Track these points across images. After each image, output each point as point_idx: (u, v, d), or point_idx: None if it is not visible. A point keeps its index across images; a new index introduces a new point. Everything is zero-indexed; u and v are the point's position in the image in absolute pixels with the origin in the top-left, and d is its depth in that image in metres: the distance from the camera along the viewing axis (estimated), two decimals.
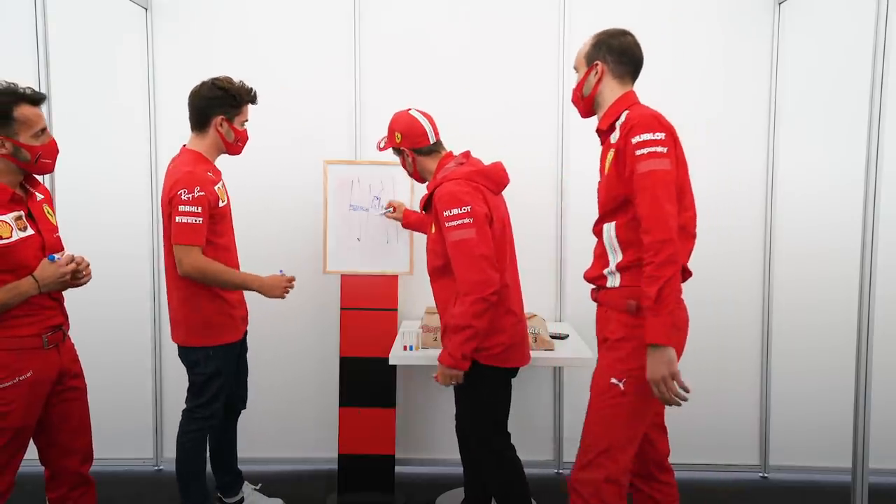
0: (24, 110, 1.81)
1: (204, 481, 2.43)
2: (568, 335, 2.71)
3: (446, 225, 2.01)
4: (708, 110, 2.99)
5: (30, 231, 1.86)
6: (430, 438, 3.11)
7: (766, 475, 3.09)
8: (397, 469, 2.86)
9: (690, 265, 1.95)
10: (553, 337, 2.62)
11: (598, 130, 1.92)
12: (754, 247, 3.04)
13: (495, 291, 1.99)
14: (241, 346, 2.53)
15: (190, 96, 2.30)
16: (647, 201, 1.67)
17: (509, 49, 3.02)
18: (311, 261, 2.94)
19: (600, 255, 1.89)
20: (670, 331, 1.64)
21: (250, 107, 2.37)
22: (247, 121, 2.37)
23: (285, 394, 3.11)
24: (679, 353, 1.81)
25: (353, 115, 3.00)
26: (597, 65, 1.89)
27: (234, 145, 2.36)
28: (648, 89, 2.98)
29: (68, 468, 2.04)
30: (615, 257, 1.82)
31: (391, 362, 2.45)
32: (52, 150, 1.91)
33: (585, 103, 1.95)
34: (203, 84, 2.28)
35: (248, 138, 2.40)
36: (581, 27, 2.98)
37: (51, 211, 2.01)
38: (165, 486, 2.92)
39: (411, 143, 2.20)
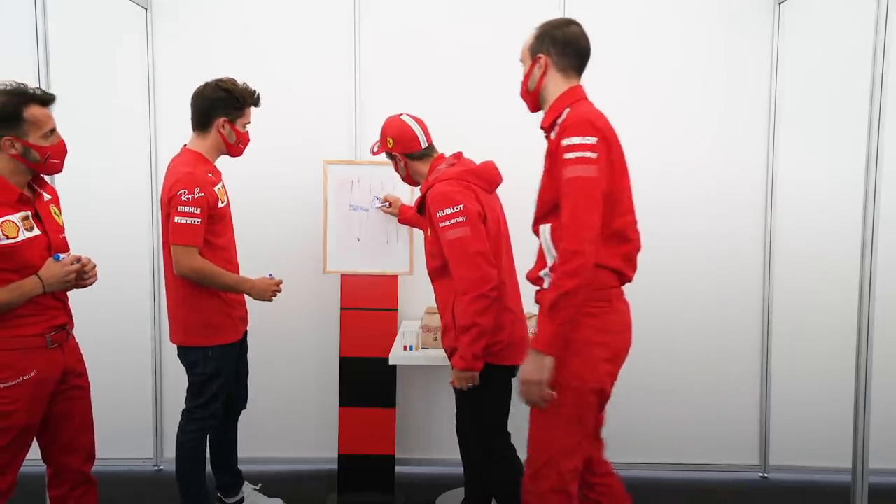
0: (33, 111, 1.82)
1: (204, 481, 2.43)
2: None
3: (440, 225, 2.01)
4: (708, 110, 2.99)
5: (36, 231, 1.87)
6: (430, 438, 3.11)
7: (766, 475, 3.09)
8: (397, 469, 2.86)
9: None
10: None
11: (542, 127, 1.83)
12: (754, 247, 3.03)
13: (495, 287, 1.99)
14: (240, 347, 2.53)
15: (193, 97, 2.30)
16: (567, 208, 1.62)
17: (509, 49, 3.01)
18: (311, 261, 2.94)
19: (540, 257, 1.84)
20: (556, 341, 1.62)
21: (252, 108, 2.37)
22: (249, 123, 2.37)
23: (285, 394, 3.11)
24: (622, 356, 1.79)
25: (353, 115, 3.00)
26: (540, 58, 1.80)
27: (236, 147, 2.36)
28: (649, 89, 3.00)
29: (70, 467, 2.04)
30: (551, 259, 1.75)
31: (391, 362, 2.45)
32: (60, 150, 1.92)
33: (531, 98, 1.87)
34: (207, 85, 2.29)
35: (249, 140, 2.40)
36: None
37: (58, 211, 2.03)
38: (165, 486, 2.92)
39: (403, 147, 2.21)
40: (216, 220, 2.28)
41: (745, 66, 2.97)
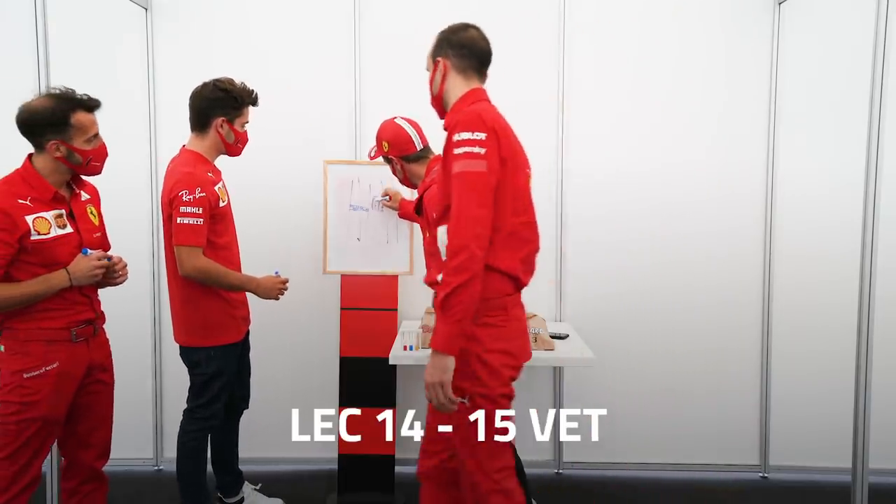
0: (80, 117, 1.89)
1: (204, 481, 2.43)
2: (568, 335, 2.71)
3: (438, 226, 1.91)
4: (708, 111, 2.99)
5: (69, 229, 1.93)
6: None
7: (766, 475, 3.09)
8: (397, 469, 2.86)
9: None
10: (553, 337, 2.62)
11: (444, 128, 1.79)
12: (754, 247, 3.03)
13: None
14: (242, 346, 2.53)
15: (191, 97, 2.30)
16: (454, 204, 1.59)
17: (509, 49, 3.01)
18: (311, 261, 2.94)
19: (439, 259, 1.81)
20: (453, 340, 1.58)
21: (251, 108, 2.37)
22: (247, 122, 2.37)
23: (285, 394, 3.11)
24: (522, 360, 1.79)
25: (353, 115, 3.00)
26: (439, 62, 1.81)
27: (234, 147, 2.36)
28: (649, 89, 3.00)
29: (83, 461, 2.08)
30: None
31: (391, 362, 2.45)
32: (102, 153, 2.00)
33: (436, 102, 1.87)
34: (205, 85, 2.29)
35: (247, 140, 2.40)
36: (581, 28, 2.98)
37: (95, 211, 2.08)
38: (165, 486, 2.92)
39: (398, 151, 2.22)
40: (217, 220, 2.28)
41: (745, 66, 2.97)
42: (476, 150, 1.59)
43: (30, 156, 1.93)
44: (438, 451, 1.91)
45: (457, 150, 1.60)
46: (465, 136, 1.60)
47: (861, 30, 2.74)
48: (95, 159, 1.96)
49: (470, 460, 1.74)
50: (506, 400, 1.74)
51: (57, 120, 1.85)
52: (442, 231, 1.73)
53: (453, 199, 1.60)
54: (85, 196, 2.06)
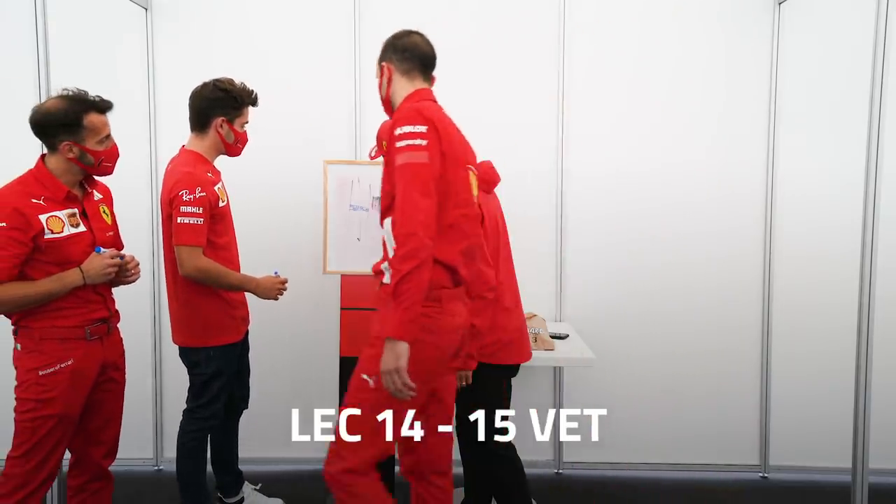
0: (92, 118, 1.92)
1: (204, 481, 2.43)
2: (568, 335, 2.72)
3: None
4: (708, 111, 2.99)
5: (82, 228, 1.95)
6: None
7: (766, 475, 3.09)
8: (397, 469, 2.86)
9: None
10: (553, 337, 2.62)
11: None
12: (754, 247, 3.04)
13: (492, 288, 1.97)
14: (242, 346, 2.53)
15: (191, 97, 2.30)
16: (399, 195, 1.64)
17: (509, 49, 3.02)
18: (311, 261, 2.93)
19: (385, 250, 1.85)
20: (405, 326, 1.61)
21: (251, 108, 2.37)
22: (247, 122, 2.37)
23: (285, 394, 3.10)
24: (448, 353, 1.79)
25: (353, 115, 3.00)
26: (384, 66, 1.89)
27: (234, 147, 2.36)
28: (648, 90, 3.00)
29: (91, 458, 2.10)
30: (390, 253, 1.74)
31: None
32: (113, 154, 2.02)
33: (385, 104, 1.96)
34: (205, 85, 2.29)
35: (247, 140, 2.40)
36: (581, 28, 2.98)
37: (108, 211, 2.11)
38: (165, 486, 2.92)
39: None
40: (217, 220, 2.28)
41: (745, 67, 2.97)
42: (417, 142, 1.66)
43: (43, 156, 1.96)
44: (416, 447, 1.94)
45: (398, 144, 1.67)
46: (407, 129, 1.67)
47: (861, 30, 2.74)
48: (107, 160, 1.99)
49: (348, 436, 1.77)
50: (419, 393, 1.73)
51: (70, 121, 1.88)
52: (387, 223, 1.76)
53: (398, 190, 1.65)
54: (98, 196, 2.08)
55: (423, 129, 1.66)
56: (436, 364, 1.76)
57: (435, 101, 1.86)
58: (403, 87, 1.87)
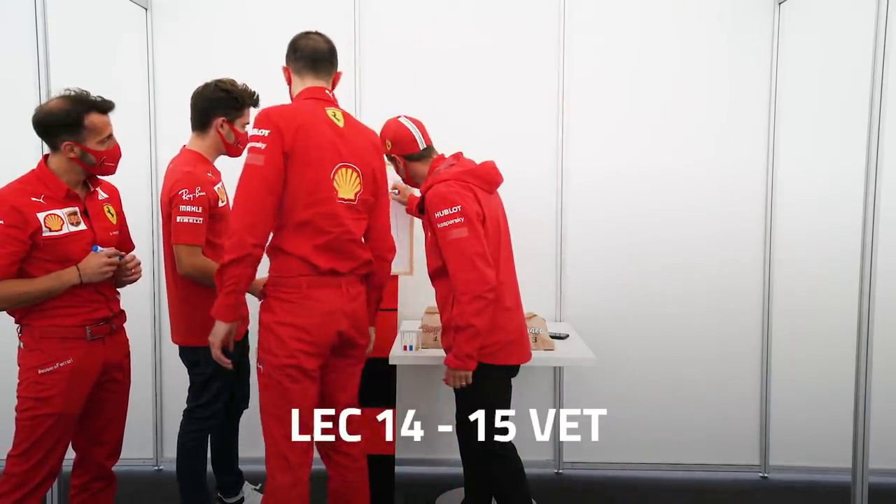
0: (93, 118, 1.92)
1: (204, 481, 2.43)
2: (568, 335, 2.72)
3: (438, 226, 2.04)
4: (708, 111, 2.99)
5: (82, 227, 1.96)
6: (430, 438, 3.11)
7: (766, 475, 3.09)
8: (397, 469, 2.86)
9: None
10: (553, 337, 2.62)
11: None
12: (754, 249, 3.03)
13: (492, 289, 2.01)
14: (242, 346, 2.53)
15: (192, 97, 2.30)
16: (235, 193, 1.83)
17: (509, 49, 3.02)
18: None
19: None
20: (226, 308, 1.84)
21: (252, 109, 2.37)
22: (248, 123, 2.37)
23: None
24: (319, 336, 1.90)
25: (353, 116, 2.99)
26: (285, 69, 2.03)
27: (234, 147, 2.36)
28: (648, 91, 3.00)
29: (94, 458, 2.10)
30: None
31: (391, 362, 2.45)
32: (115, 154, 2.02)
33: None
34: (206, 85, 2.29)
35: (248, 141, 2.39)
36: (581, 29, 2.98)
37: (113, 210, 2.11)
38: (165, 486, 2.92)
39: (401, 149, 2.22)
40: (216, 220, 2.28)
41: (744, 67, 2.97)
42: (257, 145, 1.81)
43: (46, 156, 1.97)
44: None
45: (248, 145, 1.85)
46: (254, 132, 1.82)
47: (861, 30, 2.74)
48: (109, 160, 1.99)
49: (263, 422, 1.95)
50: (294, 370, 1.88)
51: (71, 121, 1.88)
52: None
53: (236, 188, 1.83)
54: (103, 195, 2.08)
55: (264, 132, 1.80)
56: (301, 344, 1.88)
57: (319, 99, 1.95)
58: (297, 87, 1.99)
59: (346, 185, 1.94)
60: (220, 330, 1.88)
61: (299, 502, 1.95)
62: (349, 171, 1.95)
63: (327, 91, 1.99)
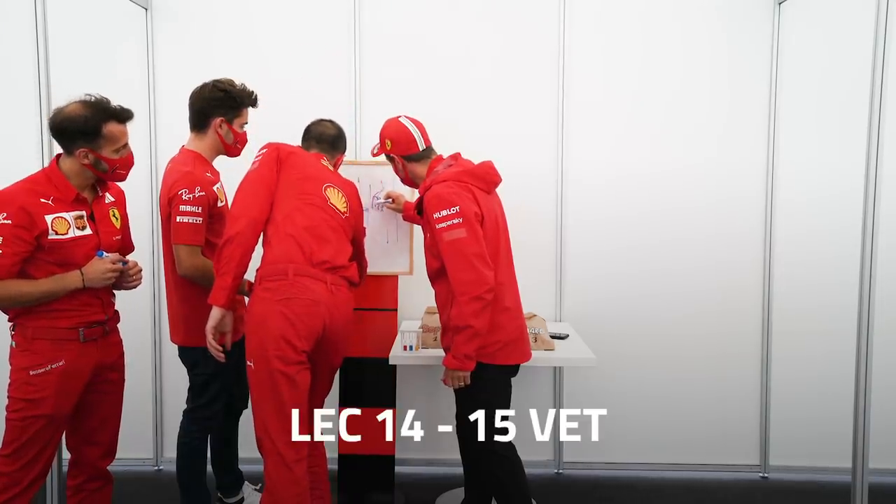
0: (111, 127, 1.91)
1: (204, 482, 2.43)
2: (568, 335, 2.72)
3: (437, 227, 2.04)
4: (708, 111, 2.99)
5: (88, 231, 1.95)
6: (430, 438, 3.11)
7: (766, 475, 3.09)
8: (397, 469, 2.86)
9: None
10: (553, 337, 2.62)
11: None
12: (754, 250, 3.03)
13: (490, 289, 2.01)
14: (241, 346, 2.53)
15: (191, 97, 2.30)
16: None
17: (509, 49, 3.02)
18: None
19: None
20: (217, 291, 1.98)
21: (250, 109, 2.37)
22: (246, 123, 2.37)
23: None
24: (304, 327, 1.98)
25: (353, 116, 3.00)
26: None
27: (233, 147, 2.36)
28: (648, 91, 3.00)
29: (88, 459, 2.10)
30: None
31: (391, 362, 2.45)
32: (128, 162, 2.02)
33: None
34: (204, 85, 2.29)
35: (247, 141, 2.40)
36: (581, 29, 2.99)
37: (118, 214, 2.11)
38: (165, 486, 2.92)
39: (401, 150, 2.22)
40: (215, 220, 2.28)
41: (744, 66, 2.97)
42: (256, 160, 2.12)
43: (58, 156, 1.96)
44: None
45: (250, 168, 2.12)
46: (255, 158, 2.14)
47: (861, 30, 2.74)
48: (121, 168, 1.99)
49: (257, 417, 2.01)
50: (278, 362, 1.94)
51: (89, 129, 1.87)
52: None
53: (235, 194, 2.07)
54: (109, 199, 2.08)
55: (263, 151, 2.13)
56: (302, 339, 1.97)
57: (317, 155, 2.29)
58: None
59: (335, 198, 2.17)
60: (214, 315, 2.00)
61: (298, 500, 1.95)
62: (336, 190, 2.19)
63: (324, 160, 2.28)
